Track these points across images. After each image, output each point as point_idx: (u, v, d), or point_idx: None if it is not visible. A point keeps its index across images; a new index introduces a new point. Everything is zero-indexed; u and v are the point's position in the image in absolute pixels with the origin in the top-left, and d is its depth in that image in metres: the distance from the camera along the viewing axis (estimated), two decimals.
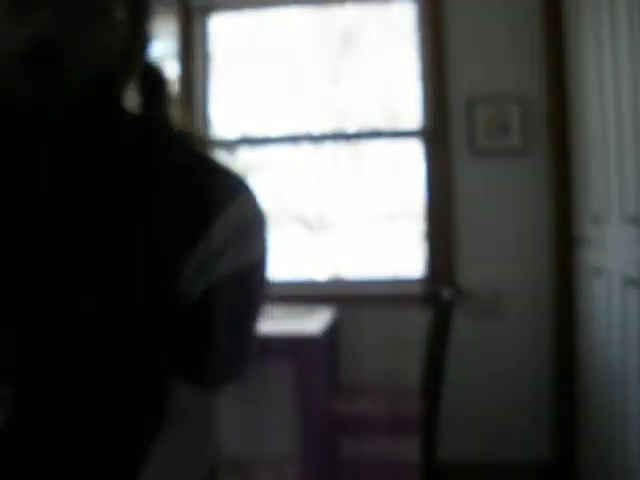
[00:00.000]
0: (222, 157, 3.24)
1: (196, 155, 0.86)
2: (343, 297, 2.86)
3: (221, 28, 3.16)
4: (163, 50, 2.99)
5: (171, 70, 3.00)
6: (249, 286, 0.84)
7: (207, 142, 3.06)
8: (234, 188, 0.83)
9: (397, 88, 3.09)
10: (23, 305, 0.76)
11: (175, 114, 0.89)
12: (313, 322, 2.40)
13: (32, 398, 0.77)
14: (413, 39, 2.93)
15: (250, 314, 0.87)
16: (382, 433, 2.34)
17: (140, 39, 0.83)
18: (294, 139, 3.09)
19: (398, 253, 3.03)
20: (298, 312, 2.60)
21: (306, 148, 3.12)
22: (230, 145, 3.15)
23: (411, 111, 2.97)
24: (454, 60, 2.81)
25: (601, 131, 2.24)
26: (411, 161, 3.01)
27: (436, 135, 2.83)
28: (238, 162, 3.15)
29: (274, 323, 2.41)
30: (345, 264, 3.10)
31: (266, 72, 3.12)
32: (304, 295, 2.87)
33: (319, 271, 3.13)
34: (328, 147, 3.12)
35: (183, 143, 0.87)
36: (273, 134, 3.07)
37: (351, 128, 3.10)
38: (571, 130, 2.63)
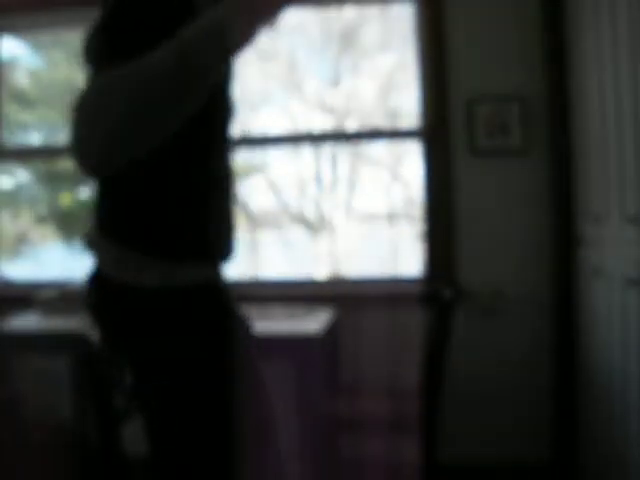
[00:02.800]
0: None
1: None
2: (343, 297, 2.85)
3: None
4: None
5: None
6: None
7: None
8: None
9: (397, 88, 3.09)
10: None
11: None
12: (313, 322, 2.40)
13: None
14: (413, 39, 2.93)
15: None
16: (382, 433, 2.33)
17: None
18: (294, 139, 3.09)
19: (398, 253, 3.03)
20: (298, 312, 2.60)
21: (306, 148, 3.13)
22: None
23: (411, 111, 2.97)
24: (454, 60, 2.81)
25: (601, 131, 2.24)
26: (411, 161, 3.01)
27: (436, 135, 2.83)
28: (238, 162, 3.15)
29: (274, 323, 2.41)
30: (345, 264, 3.10)
31: (265, 72, 3.12)
32: (304, 295, 2.87)
33: (319, 271, 3.13)
34: (328, 147, 3.13)
35: None
36: (273, 134, 3.07)
37: (351, 128, 3.10)
38: (571, 130, 2.63)
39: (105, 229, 1.07)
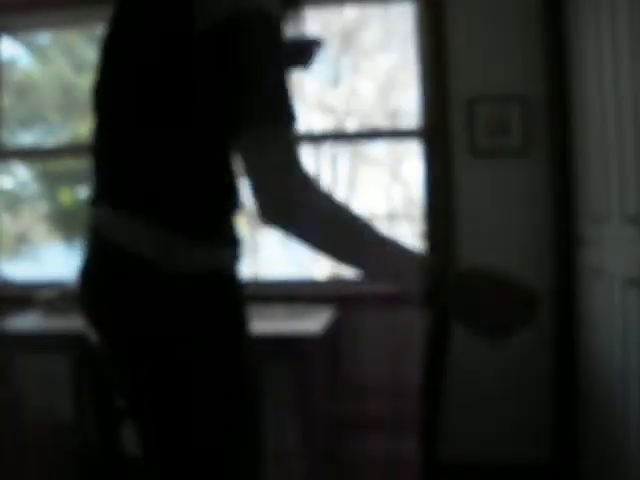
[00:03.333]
0: None
1: None
2: (343, 297, 2.86)
3: None
4: None
5: None
6: (259, 31, 0.98)
7: None
8: None
9: (397, 88, 3.09)
10: None
11: None
12: (313, 322, 2.40)
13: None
14: (413, 39, 2.93)
15: (268, 58, 1.00)
16: (382, 433, 2.33)
17: None
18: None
19: None
20: (298, 312, 2.60)
21: (306, 148, 3.12)
22: None
23: (411, 111, 2.97)
24: (454, 60, 2.81)
25: (601, 131, 2.24)
26: (411, 161, 3.01)
27: (436, 135, 2.83)
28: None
29: (274, 323, 2.41)
30: None
31: None
32: (304, 295, 2.87)
33: (319, 271, 3.13)
34: (328, 147, 3.13)
35: None
36: None
37: (351, 128, 3.10)
38: (571, 130, 2.63)
39: (138, 209, 1.04)
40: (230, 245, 1.16)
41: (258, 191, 0.99)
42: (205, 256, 1.08)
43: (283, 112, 0.99)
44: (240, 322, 1.13)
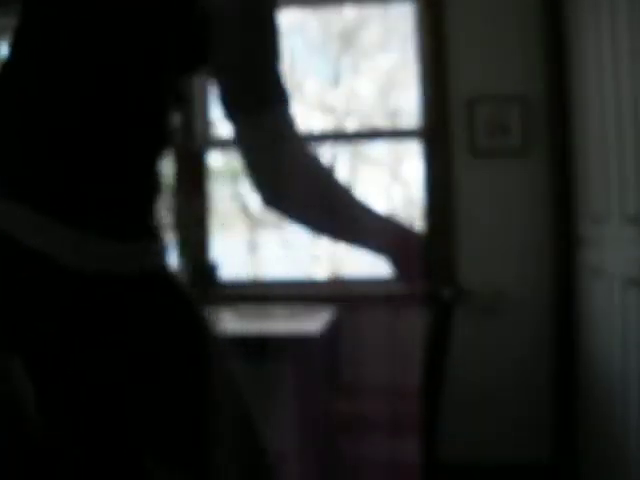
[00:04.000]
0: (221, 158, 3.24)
1: None
2: (343, 297, 2.86)
3: None
4: None
5: None
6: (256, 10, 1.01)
7: (207, 142, 3.06)
8: None
9: (397, 88, 3.09)
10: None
11: None
12: (313, 322, 2.40)
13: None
14: (413, 39, 2.93)
15: (267, 37, 1.03)
16: (382, 433, 2.33)
17: None
18: None
19: None
20: (298, 312, 2.60)
21: None
22: (230, 145, 3.15)
23: (411, 111, 2.97)
24: (454, 60, 2.81)
25: (601, 131, 2.24)
26: (411, 161, 3.01)
27: (436, 135, 2.83)
28: (239, 162, 3.14)
29: (274, 323, 2.41)
30: (345, 264, 3.10)
31: None
32: (304, 295, 2.87)
33: (319, 271, 3.13)
34: (328, 147, 3.13)
35: None
36: None
37: (351, 128, 3.10)
38: (571, 130, 2.63)
39: (54, 209, 0.93)
40: (156, 241, 1.08)
41: (256, 173, 1.02)
42: (131, 254, 1.00)
43: (278, 92, 1.00)
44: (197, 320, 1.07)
